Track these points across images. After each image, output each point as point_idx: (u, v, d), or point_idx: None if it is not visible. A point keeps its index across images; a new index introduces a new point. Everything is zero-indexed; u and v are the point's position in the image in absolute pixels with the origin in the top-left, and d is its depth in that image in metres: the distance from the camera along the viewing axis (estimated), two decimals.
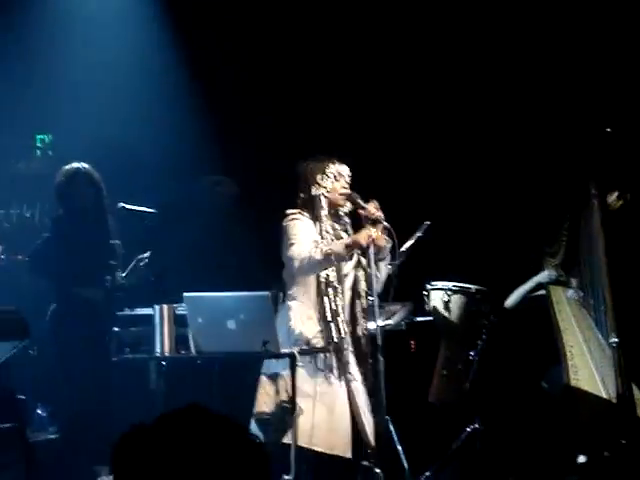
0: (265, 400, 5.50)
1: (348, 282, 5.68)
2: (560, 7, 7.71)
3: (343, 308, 5.58)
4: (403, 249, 6.08)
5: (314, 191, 5.65)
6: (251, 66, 8.36)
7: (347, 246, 5.49)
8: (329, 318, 5.50)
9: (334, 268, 5.58)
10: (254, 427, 5.43)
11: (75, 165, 6.72)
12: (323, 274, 5.53)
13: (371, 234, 5.49)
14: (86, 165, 6.72)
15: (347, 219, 5.77)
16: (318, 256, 5.40)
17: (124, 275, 6.74)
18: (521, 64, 7.78)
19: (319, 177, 5.67)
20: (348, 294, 5.68)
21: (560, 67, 7.64)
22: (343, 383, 5.51)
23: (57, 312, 6.64)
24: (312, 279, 5.54)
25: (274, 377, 5.48)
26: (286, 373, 5.32)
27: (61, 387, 6.66)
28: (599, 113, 6.86)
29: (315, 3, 8.28)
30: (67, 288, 6.59)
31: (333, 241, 5.53)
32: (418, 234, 6.27)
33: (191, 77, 8.25)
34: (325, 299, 5.52)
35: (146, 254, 6.59)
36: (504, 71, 7.82)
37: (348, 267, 5.69)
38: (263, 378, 5.55)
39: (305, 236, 5.53)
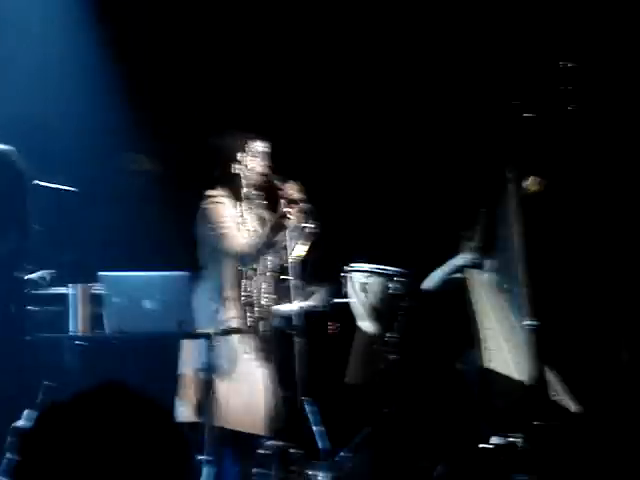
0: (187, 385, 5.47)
1: (263, 262, 5.66)
2: None
3: (259, 290, 5.57)
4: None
5: (235, 169, 5.61)
6: (172, 40, 8.27)
7: (271, 229, 5.47)
8: (246, 300, 5.49)
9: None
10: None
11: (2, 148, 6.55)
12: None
13: (286, 211, 5.46)
14: (6, 147, 6.55)
15: (262, 199, 5.74)
16: (253, 252, 5.42)
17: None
18: (440, 44, 7.81)
19: (239, 154, 5.63)
20: (262, 275, 5.65)
21: (479, 49, 7.68)
22: (260, 364, 5.50)
23: None
24: (229, 260, 5.51)
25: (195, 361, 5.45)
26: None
27: None
28: (517, 96, 6.91)
29: None
30: None
31: (255, 231, 5.49)
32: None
33: (109, 53, 8.14)
34: (243, 281, 5.51)
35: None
36: (418, 54, 7.85)
37: None
38: (183, 365, 5.52)
39: (231, 223, 5.47)
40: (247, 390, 5.45)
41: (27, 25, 7.85)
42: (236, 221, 5.51)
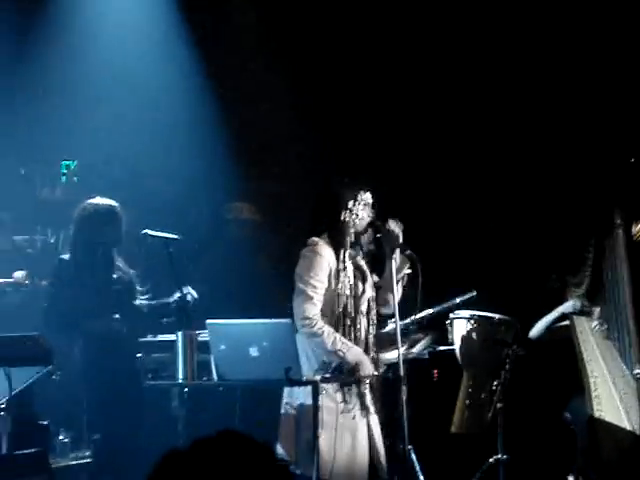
0: (287, 433, 5.46)
1: (363, 309, 5.65)
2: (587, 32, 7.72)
3: (359, 338, 5.54)
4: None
5: (346, 217, 5.61)
6: (273, 92, 8.39)
7: (355, 365, 5.33)
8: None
9: (353, 296, 5.54)
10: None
11: (105, 202, 6.68)
12: (342, 304, 5.49)
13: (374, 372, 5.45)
14: (113, 203, 6.68)
15: (363, 249, 5.73)
16: (328, 345, 5.30)
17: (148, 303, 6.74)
18: (549, 90, 7.78)
19: (350, 203, 5.61)
20: (363, 322, 5.61)
21: (588, 94, 7.64)
22: (363, 415, 5.47)
23: (80, 346, 6.63)
24: (329, 309, 5.49)
25: (297, 408, 5.43)
26: (308, 403, 5.28)
27: (86, 413, 6.65)
28: (624, 142, 6.85)
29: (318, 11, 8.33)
30: (79, 324, 6.56)
31: (350, 349, 5.35)
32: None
33: (213, 102, 8.29)
34: (342, 330, 5.48)
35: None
36: (532, 94, 7.83)
37: (366, 295, 5.64)
38: (285, 410, 5.52)
39: (321, 284, 5.44)
40: (351, 444, 5.40)
41: (138, 83, 8.04)
42: (333, 271, 5.48)
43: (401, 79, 8.26)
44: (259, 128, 8.44)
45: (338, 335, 5.36)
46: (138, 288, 6.81)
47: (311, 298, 5.37)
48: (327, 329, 5.35)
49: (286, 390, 5.53)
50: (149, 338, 6.62)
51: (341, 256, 5.53)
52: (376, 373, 5.49)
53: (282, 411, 5.53)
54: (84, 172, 8.06)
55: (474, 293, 5.92)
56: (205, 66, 8.26)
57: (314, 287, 5.39)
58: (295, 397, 5.45)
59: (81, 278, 6.56)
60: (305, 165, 8.15)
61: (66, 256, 6.68)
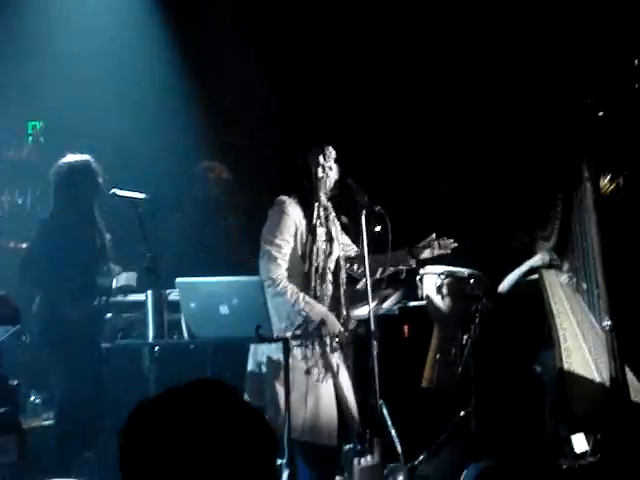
0: (254, 389, 5.47)
1: (331, 266, 5.64)
2: None
3: (328, 295, 5.55)
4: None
5: (320, 174, 5.59)
6: (243, 51, 8.34)
7: (320, 322, 5.37)
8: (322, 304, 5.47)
9: (323, 255, 5.54)
10: None
11: (80, 158, 6.62)
12: (314, 263, 5.49)
13: (340, 329, 5.44)
14: (90, 158, 6.62)
15: (330, 204, 5.72)
16: (291, 304, 5.33)
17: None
18: (515, 41, 7.78)
19: (321, 159, 5.60)
20: (331, 279, 5.61)
21: (556, 47, 7.64)
22: (328, 374, 5.48)
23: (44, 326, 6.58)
24: (300, 266, 5.49)
25: (264, 363, 5.45)
26: (277, 357, 5.28)
27: (54, 374, 6.64)
28: (592, 96, 6.85)
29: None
30: (52, 307, 6.51)
31: (314, 308, 5.37)
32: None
33: (184, 65, 8.24)
34: (313, 288, 5.48)
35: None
36: (497, 50, 7.83)
37: (333, 255, 5.63)
38: (252, 367, 5.53)
39: (286, 243, 5.42)
40: (318, 402, 5.42)
41: (115, 40, 7.97)
42: (301, 230, 5.47)
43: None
44: (227, 88, 8.41)
45: (302, 294, 5.37)
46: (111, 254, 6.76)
47: (275, 258, 5.37)
48: (290, 288, 5.36)
49: (252, 347, 5.54)
50: (119, 298, 6.61)
51: (315, 213, 5.52)
52: (342, 330, 5.49)
53: (249, 369, 5.55)
54: (50, 132, 8.00)
55: (433, 235, 5.90)
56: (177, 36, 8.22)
57: (279, 247, 5.40)
58: (261, 353, 5.46)
59: (63, 237, 6.48)
60: (272, 122, 8.12)
61: (46, 216, 6.61)
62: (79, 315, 6.47)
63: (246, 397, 5.45)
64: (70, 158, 6.60)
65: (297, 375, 5.36)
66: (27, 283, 6.50)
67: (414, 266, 5.93)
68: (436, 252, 5.85)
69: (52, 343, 6.47)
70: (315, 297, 5.46)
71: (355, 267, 5.88)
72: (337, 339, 5.49)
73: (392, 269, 5.85)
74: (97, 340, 6.19)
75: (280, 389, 5.29)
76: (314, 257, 5.50)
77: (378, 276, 5.85)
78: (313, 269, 5.50)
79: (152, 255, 5.81)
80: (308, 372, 5.40)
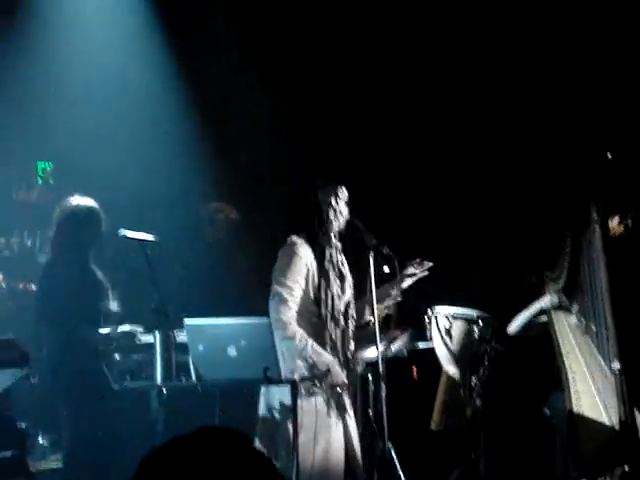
0: (265, 433, 5.44)
1: (342, 308, 5.59)
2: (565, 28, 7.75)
3: (338, 338, 5.52)
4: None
5: (331, 214, 5.57)
6: (249, 94, 8.39)
7: (326, 371, 5.28)
8: (330, 347, 5.44)
9: (337, 300, 5.50)
10: None
11: (84, 202, 6.62)
12: (329, 308, 5.46)
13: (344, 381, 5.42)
14: (92, 203, 6.61)
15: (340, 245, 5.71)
16: (299, 350, 5.27)
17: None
18: (525, 83, 7.81)
19: (333, 200, 5.57)
20: (342, 322, 5.57)
21: (564, 90, 7.66)
22: (339, 415, 5.45)
23: (56, 353, 6.55)
24: (311, 307, 5.47)
25: (276, 408, 5.41)
26: (287, 402, 5.25)
27: (63, 416, 6.62)
28: (600, 137, 6.86)
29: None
30: (70, 334, 6.50)
31: (321, 356, 5.30)
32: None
33: (189, 109, 8.28)
34: (329, 333, 5.45)
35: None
36: (507, 89, 7.85)
37: (346, 295, 5.61)
38: (263, 411, 5.50)
39: (298, 285, 5.38)
40: (328, 446, 5.38)
41: (122, 86, 8.01)
42: (312, 272, 5.45)
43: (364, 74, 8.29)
44: (235, 126, 8.46)
45: (310, 341, 5.32)
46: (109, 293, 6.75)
47: (286, 300, 5.34)
48: (300, 334, 5.31)
49: (263, 390, 5.51)
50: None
51: (327, 256, 5.50)
52: (346, 382, 5.44)
53: (260, 412, 5.51)
54: (59, 173, 8.04)
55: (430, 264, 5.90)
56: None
57: (290, 289, 5.37)
58: (272, 396, 5.43)
59: (63, 279, 6.48)
60: (280, 164, 8.15)
61: (44, 258, 6.63)
62: (97, 339, 6.43)
63: (257, 442, 5.41)
64: (75, 200, 6.61)
65: (307, 418, 5.32)
66: (44, 319, 6.48)
67: (399, 299, 5.87)
68: (417, 275, 5.81)
69: (62, 382, 6.45)
70: (331, 341, 5.43)
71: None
72: (340, 389, 5.42)
73: (383, 307, 5.83)
74: (106, 379, 6.16)
75: (292, 433, 5.24)
76: (329, 302, 5.46)
77: (368, 316, 5.78)
78: (329, 315, 5.45)
79: (160, 296, 5.82)
80: (322, 412, 5.35)
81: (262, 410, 5.50)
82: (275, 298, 5.37)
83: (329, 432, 5.38)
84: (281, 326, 5.28)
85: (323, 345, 5.39)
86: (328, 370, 5.29)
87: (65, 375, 6.43)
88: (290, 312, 5.33)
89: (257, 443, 5.40)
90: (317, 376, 5.27)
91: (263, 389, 5.49)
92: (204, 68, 8.44)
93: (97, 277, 6.61)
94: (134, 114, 8.11)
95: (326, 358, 5.33)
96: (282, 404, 5.34)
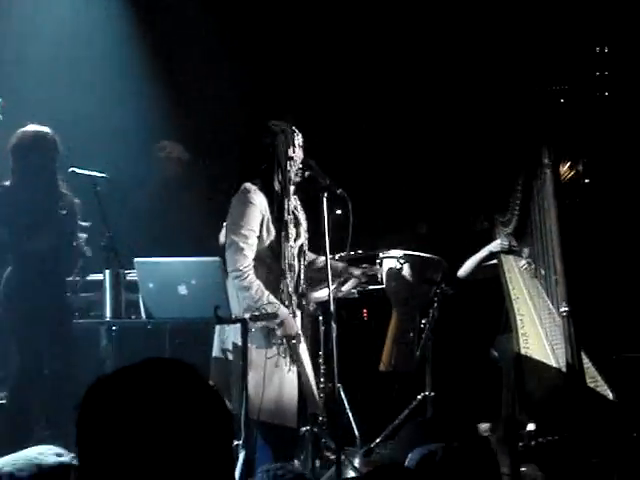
0: (220, 372, 5.44)
1: (295, 252, 5.59)
2: None
3: (292, 279, 5.52)
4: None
5: (287, 165, 5.49)
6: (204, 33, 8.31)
7: (280, 323, 5.32)
8: (286, 302, 5.43)
9: (292, 247, 5.50)
10: None
11: (41, 128, 6.53)
12: (287, 259, 5.45)
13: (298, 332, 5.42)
14: (43, 128, 6.54)
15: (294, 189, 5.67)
16: (255, 300, 5.28)
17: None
18: (478, 25, 7.80)
19: (290, 150, 5.51)
20: (296, 265, 5.57)
21: (518, 33, 7.66)
22: (292, 362, 5.45)
23: (10, 276, 6.50)
24: (266, 252, 5.46)
25: (230, 350, 5.41)
26: (239, 342, 5.25)
27: (12, 352, 6.58)
28: (552, 83, 6.88)
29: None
30: (18, 244, 6.42)
31: (275, 307, 5.32)
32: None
33: (144, 43, 8.18)
34: (286, 283, 5.45)
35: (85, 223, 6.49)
36: (460, 33, 7.85)
37: (300, 240, 5.60)
38: (217, 352, 5.50)
39: (253, 233, 5.38)
40: (279, 385, 5.40)
41: (71, 16, 7.89)
42: (267, 218, 5.42)
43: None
44: (185, 69, 8.38)
45: (266, 293, 5.33)
46: (82, 223, 6.66)
47: (242, 249, 5.33)
48: (257, 285, 5.32)
49: (217, 330, 5.51)
50: (77, 278, 6.56)
51: (285, 205, 5.46)
52: (299, 332, 5.45)
53: (214, 353, 5.50)
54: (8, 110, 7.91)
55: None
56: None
57: (245, 237, 5.35)
58: (226, 338, 5.43)
59: (21, 202, 6.41)
60: (229, 103, 8.10)
61: (7, 182, 6.53)
62: (41, 246, 6.36)
63: (210, 381, 5.41)
64: (26, 127, 6.54)
65: (257, 357, 5.33)
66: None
67: (364, 279, 5.99)
68: (360, 280, 5.94)
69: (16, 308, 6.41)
70: (286, 287, 5.43)
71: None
72: (293, 340, 5.43)
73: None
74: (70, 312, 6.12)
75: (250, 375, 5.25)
76: (287, 253, 5.46)
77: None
78: (286, 265, 5.46)
79: (110, 234, 5.77)
80: (273, 353, 5.37)
81: (215, 350, 5.51)
82: (232, 247, 5.35)
83: (282, 371, 5.40)
84: (238, 275, 5.28)
85: (278, 290, 5.40)
86: (281, 322, 5.30)
87: (16, 309, 6.39)
88: (247, 261, 5.32)
89: (211, 378, 5.42)
90: (268, 315, 5.28)
91: (217, 329, 5.49)
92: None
93: (58, 206, 6.52)
94: (88, 53, 8.00)
95: (281, 311, 5.33)
96: (235, 344, 5.34)
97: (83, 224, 6.61)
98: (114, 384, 1.83)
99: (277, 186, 5.47)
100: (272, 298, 5.33)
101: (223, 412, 1.86)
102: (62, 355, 6.45)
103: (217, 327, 5.47)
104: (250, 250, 5.35)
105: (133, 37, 8.19)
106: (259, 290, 5.31)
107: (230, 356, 5.41)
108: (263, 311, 5.26)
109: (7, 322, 6.48)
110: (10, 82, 7.66)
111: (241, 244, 5.33)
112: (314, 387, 5.58)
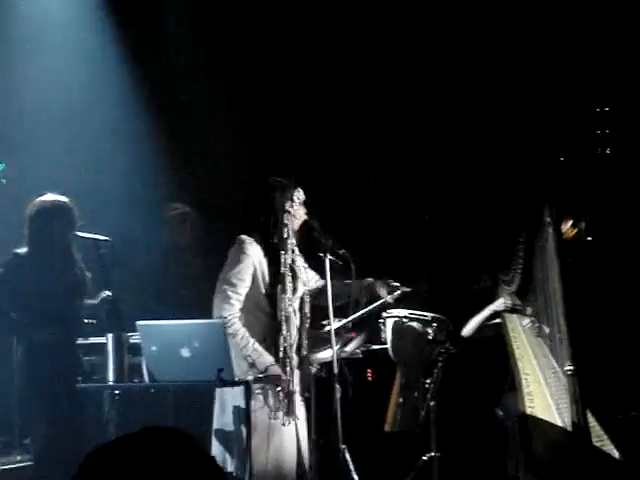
0: (219, 435, 5.42)
1: (296, 306, 5.58)
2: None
3: (291, 336, 5.50)
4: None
5: (285, 219, 5.52)
6: (208, 92, 8.37)
7: (268, 373, 5.27)
8: (281, 355, 5.41)
9: (290, 300, 5.49)
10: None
11: (60, 198, 6.53)
12: (284, 311, 5.43)
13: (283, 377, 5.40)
14: (62, 198, 6.53)
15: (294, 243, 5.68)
16: (239, 348, 5.25)
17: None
18: (480, 84, 7.85)
19: (288, 204, 5.54)
20: (295, 320, 5.56)
21: (521, 93, 7.71)
22: (288, 418, 5.42)
23: (22, 354, 6.46)
24: (263, 302, 5.46)
25: (231, 410, 5.39)
26: (241, 404, 5.23)
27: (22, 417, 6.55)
28: (553, 141, 6.91)
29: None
30: (24, 332, 6.40)
31: (261, 356, 5.28)
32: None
33: (149, 106, 8.24)
34: (283, 335, 5.43)
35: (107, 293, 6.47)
36: (463, 91, 7.89)
37: (297, 294, 5.59)
38: (217, 412, 5.47)
39: (243, 283, 5.37)
40: (280, 448, 5.37)
41: (77, 88, 7.93)
42: (262, 270, 5.43)
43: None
44: (190, 129, 8.43)
45: (252, 340, 5.32)
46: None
47: (229, 298, 5.35)
48: (242, 332, 5.32)
49: (218, 392, 5.45)
50: (80, 341, 6.54)
51: (281, 259, 5.47)
52: (288, 379, 5.39)
53: (215, 414, 5.47)
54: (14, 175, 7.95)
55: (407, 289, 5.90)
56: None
57: (233, 286, 5.37)
58: (226, 398, 5.38)
59: (35, 273, 6.40)
60: (239, 167, 8.14)
61: (22, 250, 6.52)
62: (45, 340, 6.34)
63: (213, 444, 5.39)
64: (44, 197, 6.54)
65: (259, 419, 5.31)
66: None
67: (365, 300, 5.89)
68: (389, 297, 5.84)
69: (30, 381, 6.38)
70: (285, 342, 5.40)
71: (319, 301, 5.81)
72: (280, 391, 5.39)
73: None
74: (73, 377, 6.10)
75: (245, 434, 5.22)
76: (283, 305, 5.45)
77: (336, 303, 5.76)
78: (283, 317, 5.45)
79: (113, 298, 5.78)
80: (271, 417, 5.34)
81: (217, 412, 5.48)
82: (218, 296, 5.39)
83: (281, 433, 5.37)
84: (224, 323, 5.26)
85: (276, 346, 5.39)
86: (266, 370, 5.28)
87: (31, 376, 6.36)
88: (233, 309, 5.34)
89: (213, 445, 5.39)
90: (267, 378, 5.26)
91: (218, 391, 5.47)
92: (163, 69, 8.40)
93: (74, 276, 6.52)
94: (92, 115, 8.04)
95: (266, 359, 5.32)
96: (235, 406, 5.32)
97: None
98: (112, 454, 1.83)
99: (274, 239, 5.49)
100: (257, 346, 5.32)
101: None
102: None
103: (217, 389, 5.44)
104: (237, 300, 5.37)
105: (132, 101, 8.23)
106: (244, 337, 5.31)
107: (230, 416, 5.37)
108: (249, 360, 5.25)
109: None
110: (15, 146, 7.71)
111: (229, 292, 5.36)
112: (307, 452, 5.53)
